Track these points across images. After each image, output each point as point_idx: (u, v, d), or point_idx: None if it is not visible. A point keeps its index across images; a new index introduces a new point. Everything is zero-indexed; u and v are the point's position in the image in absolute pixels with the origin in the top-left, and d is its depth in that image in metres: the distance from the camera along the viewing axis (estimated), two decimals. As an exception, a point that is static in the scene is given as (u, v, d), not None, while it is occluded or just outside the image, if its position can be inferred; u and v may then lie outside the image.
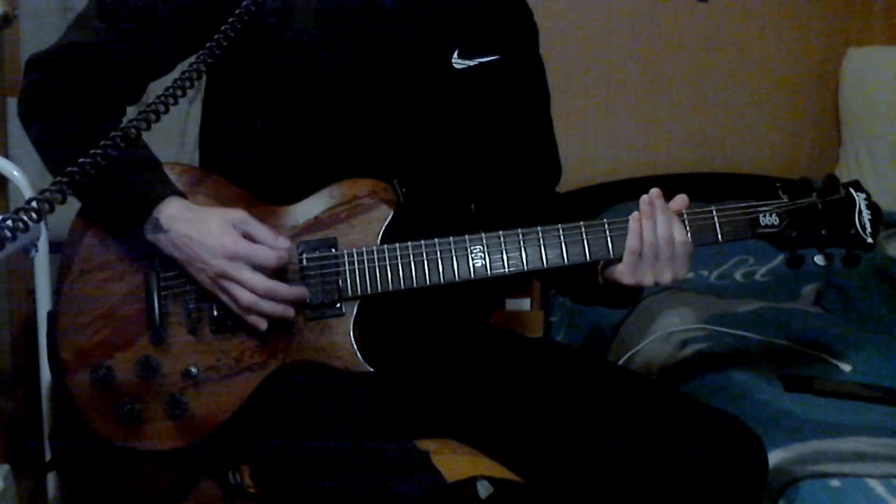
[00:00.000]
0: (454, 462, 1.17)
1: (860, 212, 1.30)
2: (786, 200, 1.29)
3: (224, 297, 1.24)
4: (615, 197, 2.35)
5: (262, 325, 1.24)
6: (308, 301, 1.27)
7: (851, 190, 1.31)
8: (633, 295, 1.34)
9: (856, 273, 2.16)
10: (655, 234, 1.24)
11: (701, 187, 1.93)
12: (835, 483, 1.34)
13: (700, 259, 2.28)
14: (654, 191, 1.26)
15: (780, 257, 2.22)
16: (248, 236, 1.23)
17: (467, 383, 1.39)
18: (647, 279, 1.26)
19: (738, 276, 2.24)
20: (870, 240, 1.30)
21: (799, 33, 2.73)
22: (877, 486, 1.33)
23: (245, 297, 1.22)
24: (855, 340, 1.82)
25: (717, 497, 1.23)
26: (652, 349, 1.90)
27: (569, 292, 1.52)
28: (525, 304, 2.41)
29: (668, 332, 1.91)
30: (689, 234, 1.26)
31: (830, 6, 2.73)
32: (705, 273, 2.25)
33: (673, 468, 1.23)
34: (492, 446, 1.37)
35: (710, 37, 2.70)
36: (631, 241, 1.25)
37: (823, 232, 1.29)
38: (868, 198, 1.31)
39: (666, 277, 1.25)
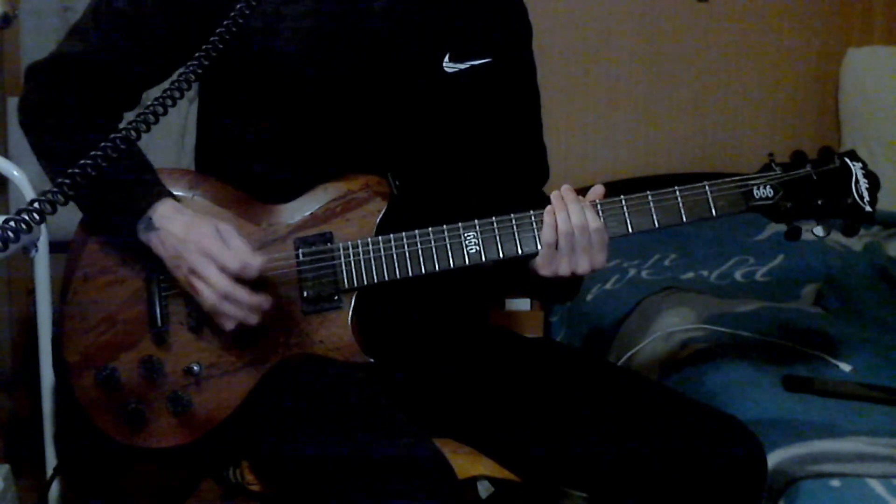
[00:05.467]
0: (454, 462, 1.17)
1: (857, 181, 1.29)
2: (779, 172, 1.29)
3: (194, 294, 1.25)
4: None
5: (228, 325, 1.24)
6: (305, 294, 1.28)
7: (847, 159, 1.29)
8: (570, 286, 1.36)
9: (856, 273, 2.16)
10: (569, 224, 1.25)
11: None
12: (835, 483, 1.34)
13: (700, 259, 2.29)
14: (564, 187, 1.29)
15: (781, 257, 2.25)
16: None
17: (467, 383, 1.39)
18: (563, 269, 1.27)
19: (738, 276, 2.24)
20: (868, 208, 1.28)
21: (799, 33, 2.73)
22: (877, 486, 1.33)
23: (207, 295, 1.23)
24: (855, 340, 1.82)
25: (716, 498, 1.23)
26: (652, 349, 1.90)
27: (510, 290, 1.53)
28: (525, 304, 2.42)
29: (668, 332, 1.91)
30: (682, 213, 1.26)
31: (830, 6, 2.73)
32: (705, 273, 2.25)
33: (672, 469, 1.23)
34: (492, 446, 1.37)
35: (710, 37, 2.70)
36: (545, 234, 1.26)
37: (819, 202, 1.28)
38: (864, 167, 1.30)
39: (583, 267, 1.26)
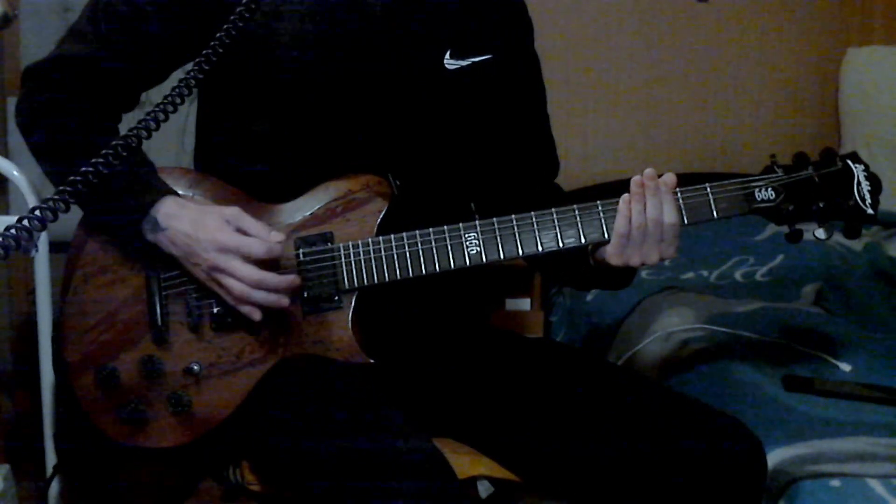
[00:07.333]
0: (454, 462, 1.17)
1: (859, 183, 1.28)
2: (781, 174, 1.29)
3: (219, 290, 1.25)
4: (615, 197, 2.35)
5: (256, 315, 1.24)
6: (305, 294, 1.28)
7: (849, 161, 1.29)
8: (626, 275, 1.35)
9: (856, 273, 2.16)
10: (644, 217, 1.24)
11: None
12: (835, 483, 1.34)
13: (700, 259, 2.29)
14: (648, 171, 1.26)
15: (781, 257, 2.25)
16: (241, 231, 1.24)
17: (467, 383, 1.39)
18: (634, 260, 1.26)
19: (738, 276, 2.24)
20: (870, 210, 1.28)
21: (799, 33, 2.73)
22: (877, 486, 1.33)
23: (237, 287, 1.23)
24: (855, 340, 1.82)
25: (716, 498, 1.23)
26: (652, 349, 1.90)
27: (562, 278, 1.51)
28: (525, 304, 2.41)
29: (668, 332, 1.91)
30: (684, 214, 1.26)
31: (830, 6, 2.73)
32: (705, 273, 2.25)
33: (672, 469, 1.23)
34: (492, 446, 1.37)
35: (710, 37, 2.70)
36: (619, 224, 1.25)
37: (821, 205, 1.28)
38: (867, 168, 1.30)
39: (653, 258, 1.26)
